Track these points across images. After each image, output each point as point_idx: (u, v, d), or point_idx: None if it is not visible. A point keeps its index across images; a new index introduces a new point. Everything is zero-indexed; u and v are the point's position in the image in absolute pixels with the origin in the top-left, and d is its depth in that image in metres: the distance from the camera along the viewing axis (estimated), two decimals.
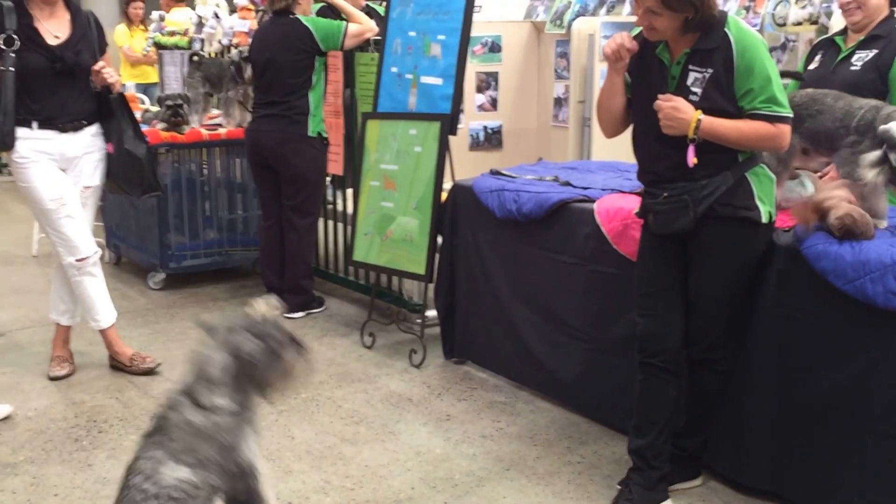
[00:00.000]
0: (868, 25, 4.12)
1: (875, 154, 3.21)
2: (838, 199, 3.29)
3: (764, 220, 3.27)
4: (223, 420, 2.71)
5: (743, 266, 3.34)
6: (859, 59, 4.08)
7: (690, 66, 3.22)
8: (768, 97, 3.15)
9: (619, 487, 3.57)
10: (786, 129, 3.20)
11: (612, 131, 3.57)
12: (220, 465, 2.70)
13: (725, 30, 3.17)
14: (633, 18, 3.32)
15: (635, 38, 3.34)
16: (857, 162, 3.27)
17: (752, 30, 3.29)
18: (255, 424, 2.80)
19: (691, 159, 3.20)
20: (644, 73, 3.36)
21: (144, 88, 9.60)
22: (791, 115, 3.20)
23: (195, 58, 6.75)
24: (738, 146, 3.22)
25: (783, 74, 3.67)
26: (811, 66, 4.30)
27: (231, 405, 2.72)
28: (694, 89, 3.20)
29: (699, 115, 3.15)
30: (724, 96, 3.17)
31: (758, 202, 3.26)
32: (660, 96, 3.23)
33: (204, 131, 6.59)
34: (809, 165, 3.63)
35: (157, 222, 6.53)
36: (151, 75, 9.95)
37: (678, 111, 3.17)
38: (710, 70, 3.17)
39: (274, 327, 2.76)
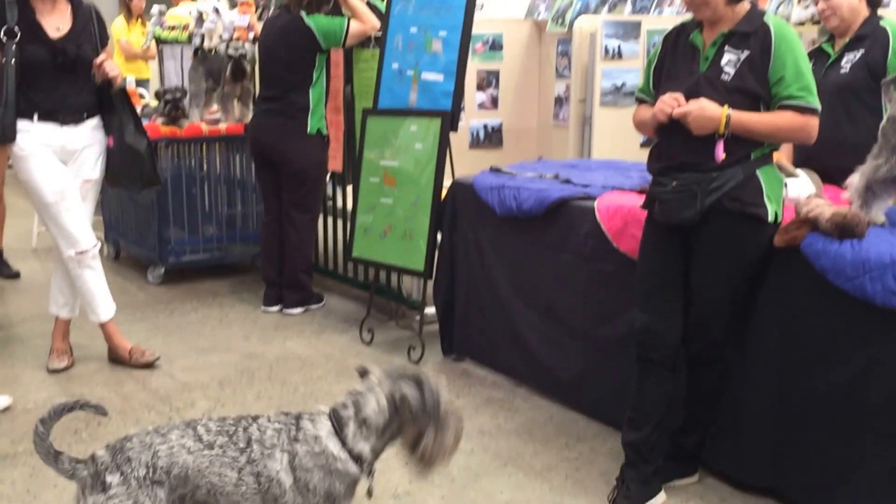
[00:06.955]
0: (849, 29, 4.21)
1: None
2: (820, 205, 3.30)
3: (770, 219, 3.28)
4: (351, 468, 2.60)
5: (746, 264, 3.33)
6: (847, 61, 4.16)
7: (727, 48, 3.26)
8: (804, 85, 3.19)
9: (615, 482, 3.58)
10: (814, 122, 3.23)
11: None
12: None
13: (764, 19, 3.24)
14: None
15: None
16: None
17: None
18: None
19: (720, 155, 3.21)
20: (673, 60, 3.41)
21: (137, 83, 9.61)
22: (819, 108, 3.23)
23: (199, 52, 6.75)
24: (767, 138, 3.25)
25: None
26: None
27: (369, 454, 2.64)
28: (727, 69, 3.24)
29: (727, 110, 3.17)
30: (757, 79, 3.21)
31: (766, 200, 3.26)
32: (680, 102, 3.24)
33: (204, 126, 6.59)
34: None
35: (157, 217, 6.54)
36: (145, 71, 9.99)
37: (704, 111, 3.19)
38: (747, 51, 3.22)
39: (438, 394, 2.63)
